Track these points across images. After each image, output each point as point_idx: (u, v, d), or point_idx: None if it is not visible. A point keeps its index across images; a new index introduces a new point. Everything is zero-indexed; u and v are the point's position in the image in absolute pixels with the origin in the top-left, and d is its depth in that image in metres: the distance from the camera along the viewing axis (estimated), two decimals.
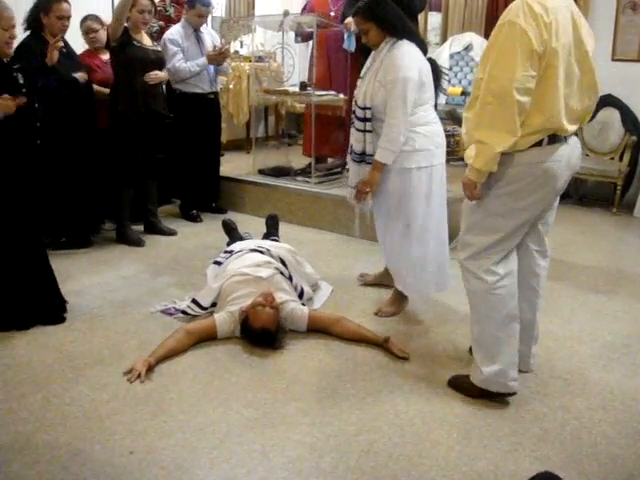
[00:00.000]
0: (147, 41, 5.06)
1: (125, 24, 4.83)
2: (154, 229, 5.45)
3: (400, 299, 3.98)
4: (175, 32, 5.58)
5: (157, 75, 5.06)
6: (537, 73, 2.57)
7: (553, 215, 3.05)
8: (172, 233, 5.45)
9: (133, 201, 5.25)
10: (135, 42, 4.91)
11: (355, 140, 3.72)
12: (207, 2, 5.60)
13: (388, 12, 3.60)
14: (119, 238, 5.23)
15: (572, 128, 2.76)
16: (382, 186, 3.69)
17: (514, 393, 2.93)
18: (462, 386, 3.05)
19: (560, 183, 2.80)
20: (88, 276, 4.45)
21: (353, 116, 3.76)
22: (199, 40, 5.64)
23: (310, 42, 6.12)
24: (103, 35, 5.14)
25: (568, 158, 2.77)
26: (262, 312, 3.39)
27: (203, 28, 5.78)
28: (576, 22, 2.66)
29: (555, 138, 2.71)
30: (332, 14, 5.84)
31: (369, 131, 3.64)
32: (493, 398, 2.94)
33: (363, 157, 3.69)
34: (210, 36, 5.87)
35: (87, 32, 5.28)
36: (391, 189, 3.67)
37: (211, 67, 5.69)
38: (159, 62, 5.12)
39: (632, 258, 5.13)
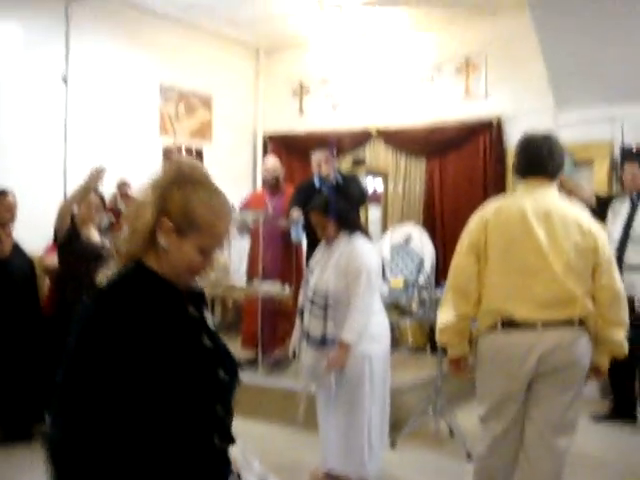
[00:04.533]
0: (95, 236, 5.13)
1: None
2: None
3: None
4: None
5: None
6: (476, 264, 2.93)
7: (545, 412, 2.97)
8: None
9: None
10: (82, 237, 5.00)
11: (313, 326, 3.83)
12: None
13: (343, 208, 3.91)
14: None
15: (537, 315, 2.88)
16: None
17: None
18: None
19: (523, 370, 2.88)
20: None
21: (309, 304, 3.89)
22: None
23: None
24: None
25: (530, 345, 2.86)
26: None
27: None
28: (529, 220, 2.93)
29: (510, 324, 2.87)
30: (269, 209, 6.10)
31: (329, 317, 3.77)
32: None
33: (323, 342, 3.79)
34: None
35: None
36: (347, 373, 3.76)
37: None
38: (106, 258, 5.18)
39: None
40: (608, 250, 3.03)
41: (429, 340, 6.49)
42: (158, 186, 1.62)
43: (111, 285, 1.61)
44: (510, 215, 2.98)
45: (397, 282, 7.15)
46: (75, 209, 4.94)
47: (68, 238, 4.91)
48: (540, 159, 3.06)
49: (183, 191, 1.61)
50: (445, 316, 3.02)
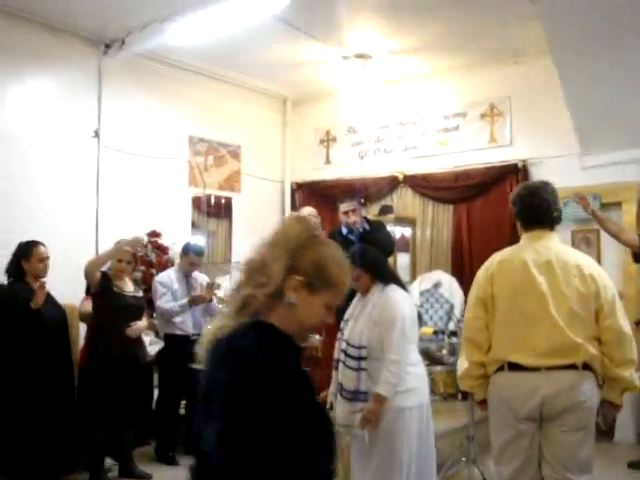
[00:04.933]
0: (129, 287, 5.24)
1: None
2: (129, 474, 5.25)
3: None
4: (166, 275, 5.89)
5: (137, 326, 5.17)
6: (485, 315, 3.10)
7: (557, 453, 3.02)
8: (147, 478, 5.25)
9: (108, 442, 5.12)
10: (115, 288, 5.09)
11: (346, 378, 3.79)
12: (199, 251, 5.93)
13: (376, 259, 3.92)
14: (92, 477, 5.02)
15: (539, 361, 2.97)
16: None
17: None
18: None
19: (527, 408, 2.98)
20: None
21: (343, 355, 3.84)
22: (189, 284, 5.89)
23: None
24: None
25: (535, 386, 2.96)
26: None
27: (195, 273, 6.05)
28: (530, 271, 3.05)
29: (516, 366, 3.00)
30: None
31: (364, 369, 3.72)
32: None
33: (356, 394, 3.73)
34: (202, 279, 6.12)
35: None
36: (382, 427, 3.66)
37: (197, 309, 5.85)
38: (138, 309, 5.25)
39: None
40: (611, 292, 3.08)
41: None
42: (287, 244, 1.65)
43: (241, 337, 1.59)
44: (512, 266, 3.10)
45: (427, 330, 7.11)
46: (109, 263, 5.04)
47: (100, 290, 5.00)
48: (541, 211, 3.18)
49: (316, 248, 1.66)
50: (462, 365, 3.24)
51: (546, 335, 2.98)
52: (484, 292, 3.12)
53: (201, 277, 6.22)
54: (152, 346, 5.51)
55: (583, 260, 3.15)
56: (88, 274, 4.97)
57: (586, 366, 2.99)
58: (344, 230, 5.76)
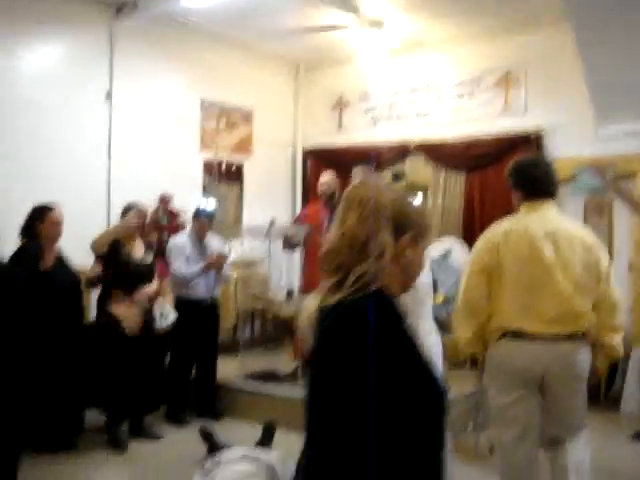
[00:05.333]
0: (139, 251, 5.25)
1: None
2: (140, 431, 5.32)
3: None
4: (180, 239, 5.89)
5: (145, 291, 5.19)
6: (487, 284, 3.15)
7: (558, 416, 3.22)
8: (157, 437, 5.32)
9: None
10: (123, 254, 5.10)
11: None
12: (208, 214, 5.93)
13: None
14: (108, 436, 5.08)
15: (544, 330, 3.07)
16: None
17: None
18: None
19: (525, 375, 3.11)
20: None
21: None
22: (203, 248, 5.91)
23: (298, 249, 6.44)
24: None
25: (536, 355, 3.07)
26: None
27: (210, 236, 6.06)
28: (536, 240, 3.10)
29: (520, 334, 3.08)
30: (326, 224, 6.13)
31: None
32: None
33: None
34: (217, 244, 6.14)
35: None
36: None
37: (211, 274, 5.88)
38: (147, 274, 5.26)
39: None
40: (607, 261, 3.22)
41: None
42: (384, 210, 1.68)
43: (355, 307, 1.58)
44: (519, 236, 3.15)
45: (437, 297, 7.13)
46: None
47: (110, 252, 5.01)
48: (543, 181, 3.25)
49: (406, 204, 1.75)
50: (463, 334, 3.28)
51: (552, 303, 3.06)
52: (488, 261, 3.16)
53: (215, 241, 6.23)
54: (164, 319, 5.43)
55: (582, 230, 3.29)
56: (95, 250, 4.99)
57: (583, 335, 3.14)
58: None
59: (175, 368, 5.84)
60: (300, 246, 6.24)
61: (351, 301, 1.58)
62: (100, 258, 5.13)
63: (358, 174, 5.72)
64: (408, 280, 1.73)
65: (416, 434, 1.51)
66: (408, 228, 1.68)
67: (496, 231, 3.25)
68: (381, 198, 1.70)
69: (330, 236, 1.72)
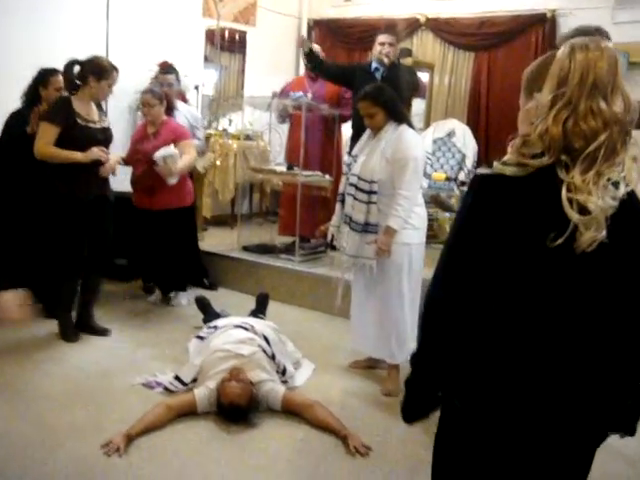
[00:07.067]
0: (94, 116, 4.58)
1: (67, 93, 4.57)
2: (85, 327, 4.71)
3: (397, 372, 4.01)
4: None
5: (110, 165, 4.55)
6: None
7: None
8: (104, 333, 4.71)
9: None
10: (80, 120, 4.45)
11: (356, 211, 3.90)
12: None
13: (393, 98, 3.93)
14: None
15: None
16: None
17: None
18: None
19: None
20: (68, 345, 4.43)
21: (352, 188, 3.93)
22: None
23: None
24: (158, 111, 5.12)
25: None
26: (229, 387, 3.41)
27: (181, 106, 5.86)
28: None
29: None
30: (309, 95, 6.02)
31: (374, 202, 3.85)
32: None
33: (366, 227, 3.88)
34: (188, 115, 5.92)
35: (143, 105, 5.20)
36: (389, 259, 3.84)
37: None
38: (107, 143, 4.64)
39: None
40: None
41: None
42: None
43: None
44: None
45: (439, 176, 7.12)
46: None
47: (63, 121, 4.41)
48: None
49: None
50: None
51: None
52: None
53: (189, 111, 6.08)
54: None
55: None
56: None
57: None
58: (373, 65, 5.60)
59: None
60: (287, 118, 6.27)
61: None
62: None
63: (381, 38, 5.55)
64: None
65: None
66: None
67: None
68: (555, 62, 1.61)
69: None
